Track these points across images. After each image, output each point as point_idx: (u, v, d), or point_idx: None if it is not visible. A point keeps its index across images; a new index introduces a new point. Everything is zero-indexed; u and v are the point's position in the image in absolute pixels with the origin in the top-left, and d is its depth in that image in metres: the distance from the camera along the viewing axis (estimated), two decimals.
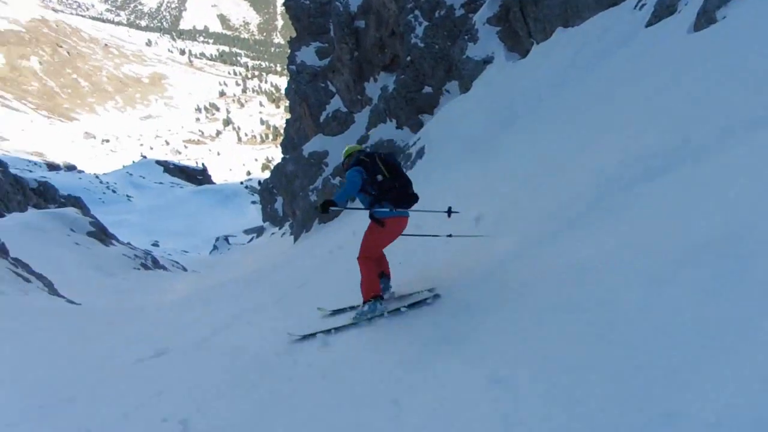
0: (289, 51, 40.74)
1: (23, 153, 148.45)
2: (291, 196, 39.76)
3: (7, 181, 45.35)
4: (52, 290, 22.56)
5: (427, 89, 27.80)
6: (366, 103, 34.18)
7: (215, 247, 62.51)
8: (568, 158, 8.12)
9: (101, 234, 35.98)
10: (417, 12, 27.24)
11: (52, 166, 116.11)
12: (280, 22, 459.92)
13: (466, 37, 23.16)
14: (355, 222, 24.71)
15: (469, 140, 18.66)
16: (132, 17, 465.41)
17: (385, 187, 6.40)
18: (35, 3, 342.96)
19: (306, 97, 37.97)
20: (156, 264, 37.41)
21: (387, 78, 32.20)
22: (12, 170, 53.38)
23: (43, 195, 51.33)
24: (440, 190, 13.80)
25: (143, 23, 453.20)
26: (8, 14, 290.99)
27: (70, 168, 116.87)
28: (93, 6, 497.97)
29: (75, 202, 50.46)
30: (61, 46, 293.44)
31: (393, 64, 32.01)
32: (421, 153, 22.71)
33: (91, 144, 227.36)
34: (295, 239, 35.38)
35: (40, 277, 23.40)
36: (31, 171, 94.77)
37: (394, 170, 6.60)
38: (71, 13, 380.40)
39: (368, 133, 32.06)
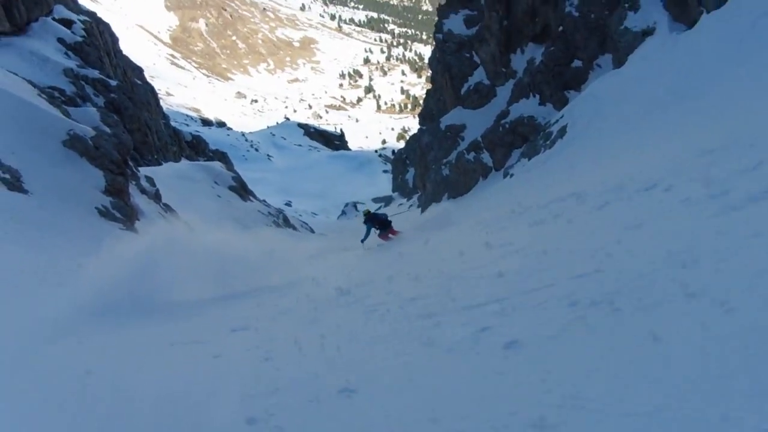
0: (436, 19, 39.93)
1: (183, 108, 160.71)
2: (423, 168, 39.35)
3: (168, 133, 49.03)
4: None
5: (577, 63, 25.92)
6: (510, 76, 32.67)
7: (343, 212, 63.91)
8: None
9: (241, 189, 37.74)
10: None
11: (206, 122, 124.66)
12: None
13: (626, 5, 21.08)
14: (484, 199, 23.75)
15: (619, 121, 17.01)
16: None
17: (378, 226, 15.84)
18: None
19: (449, 67, 37.06)
20: (287, 223, 38.78)
21: (535, 50, 30.47)
22: (172, 123, 57.70)
23: (195, 148, 55.01)
24: (582, 175, 12.55)
25: None
26: None
27: (221, 125, 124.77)
28: None
29: (222, 156, 53.59)
30: (225, 9, 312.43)
31: (543, 34, 30.17)
32: (563, 132, 21.20)
33: (242, 103, 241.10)
34: (422, 211, 34.99)
35: (184, 223, 24.89)
36: (187, 125, 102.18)
37: (382, 221, 15.93)
38: None
39: (509, 108, 30.67)
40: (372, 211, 16.59)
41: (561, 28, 26.15)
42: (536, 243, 6.64)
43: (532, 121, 28.14)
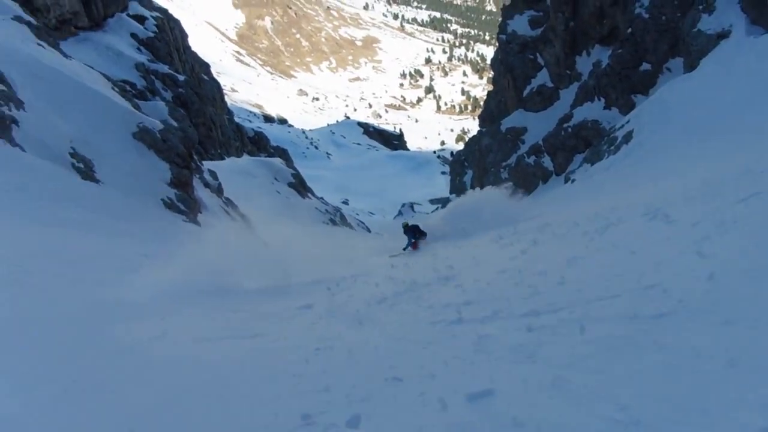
0: (500, 19, 39.47)
1: (246, 104, 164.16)
2: (482, 171, 38.96)
3: (231, 128, 50.29)
4: (252, 231, 24.40)
5: (646, 66, 25.10)
6: (574, 79, 31.96)
7: (400, 213, 63.93)
8: None
9: (300, 186, 38.27)
10: None
11: (268, 118, 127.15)
12: None
13: (700, 6, 20.27)
14: (542, 206, 23.29)
15: (689, 128, 16.38)
16: None
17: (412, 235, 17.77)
18: None
19: (512, 68, 36.55)
20: (343, 221, 39.08)
21: (601, 52, 29.69)
22: (236, 119, 59.14)
23: (257, 144, 56.17)
24: (646, 183, 12.14)
25: None
26: None
27: (282, 121, 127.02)
28: None
29: (282, 153, 54.53)
30: (290, 8, 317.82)
31: (610, 36, 29.38)
32: (628, 137, 20.58)
33: (303, 101, 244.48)
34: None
35: (243, 217, 25.47)
36: (250, 121, 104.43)
37: (417, 229, 17.99)
38: None
39: (572, 111, 30.01)
40: (409, 223, 18.95)
41: (630, 30, 25.38)
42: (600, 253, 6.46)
43: (596, 125, 27.45)
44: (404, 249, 17.74)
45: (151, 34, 38.67)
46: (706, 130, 14.69)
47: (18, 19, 19.01)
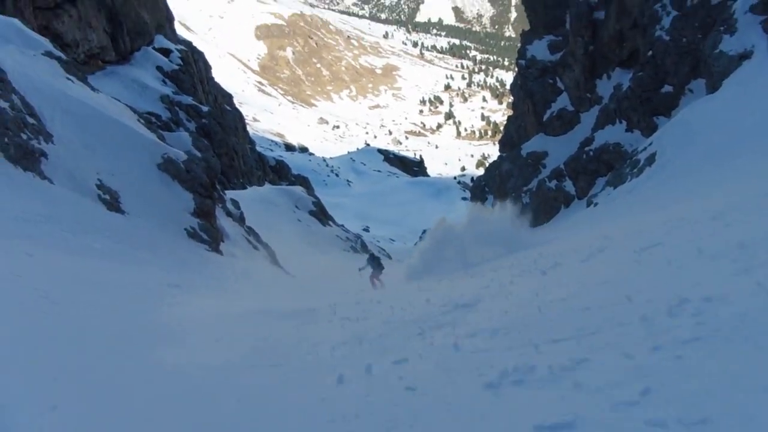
0: (519, 45, 39.68)
1: (268, 133, 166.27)
2: (503, 196, 38.77)
3: (253, 158, 50.96)
4: (274, 260, 24.54)
5: (667, 88, 24.96)
6: (595, 102, 31.88)
7: (421, 239, 63.76)
8: None
9: (321, 214, 38.51)
10: (665, 0, 24.49)
11: (289, 147, 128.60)
12: (513, 15, 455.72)
13: (721, 28, 20.19)
14: (561, 228, 23.07)
15: (712, 150, 16.20)
16: (374, 10, 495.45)
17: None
18: (298, 0, 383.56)
19: (531, 93, 36.61)
20: (364, 248, 39.10)
21: (622, 75, 29.63)
22: (258, 148, 59.97)
23: (279, 172, 56.78)
24: (669, 206, 11.98)
25: (383, 16, 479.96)
26: (275, 10, 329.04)
27: (303, 150, 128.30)
28: (342, 0, 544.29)
29: (303, 181, 55.01)
30: (311, 38, 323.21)
31: (630, 59, 29.34)
32: (651, 160, 20.39)
33: (323, 129, 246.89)
34: None
35: (265, 246, 25.63)
36: (271, 150, 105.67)
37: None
38: (324, 8, 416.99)
39: (593, 134, 29.89)
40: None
41: (650, 53, 25.33)
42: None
43: (618, 148, 27.27)
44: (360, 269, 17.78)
45: (176, 67, 39.56)
46: (730, 152, 14.50)
47: (48, 54, 19.60)
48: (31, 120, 15.43)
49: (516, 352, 4.60)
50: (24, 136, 14.67)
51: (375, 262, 17.44)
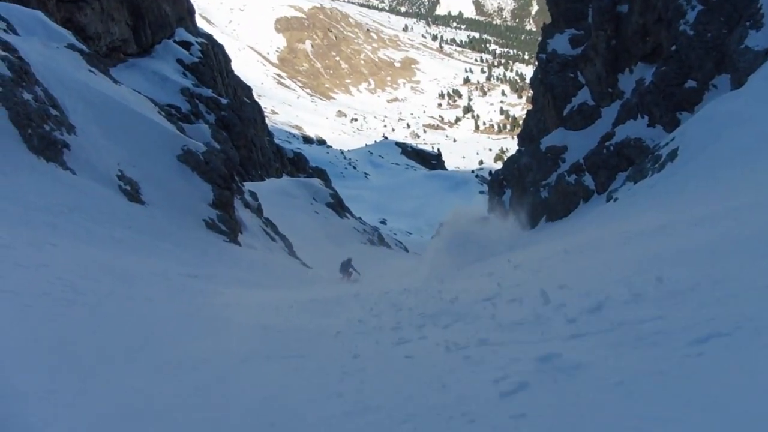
0: (539, 39, 39.30)
1: (287, 126, 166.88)
2: (521, 190, 38.55)
3: (271, 150, 51.17)
4: (291, 251, 24.65)
5: (691, 83, 24.57)
6: (616, 97, 31.49)
7: (437, 233, 63.64)
8: None
9: (338, 206, 38.60)
10: None
11: (307, 139, 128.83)
12: (534, 8, 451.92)
13: (747, 23, 19.83)
14: (578, 223, 22.88)
15: (737, 146, 15.93)
16: (394, 3, 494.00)
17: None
18: None
19: (552, 87, 36.24)
20: (381, 241, 39.17)
21: (644, 70, 29.21)
22: (276, 140, 60.18)
23: (296, 164, 56.96)
24: (696, 202, 11.82)
25: (403, 9, 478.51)
26: (295, 3, 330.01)
27: (321, 142, 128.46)
28: None
29: (321, 173, 55.15)
30: (330, 31, 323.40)
31: (654, 54, 28.91)
32: (673, 155, 20.10)
33: (342, 122, 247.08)
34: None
35: (283, 237, 25.76)
36: (289, 142, 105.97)
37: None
38: (344, 1, 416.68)
39: (614, 129, 29.54)
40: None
41: (674, 48, 24.94)
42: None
43: (639, 143, 26.91)
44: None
45: (196, 60, 39.81)
46: (755, 150, 14.25)
47: (71, 47, 19.82)
48: (54, 111, 15.63)
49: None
50: (47, 128, 14.87)
51: (344, 267, 21.04)
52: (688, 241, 7.00)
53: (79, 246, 10.58)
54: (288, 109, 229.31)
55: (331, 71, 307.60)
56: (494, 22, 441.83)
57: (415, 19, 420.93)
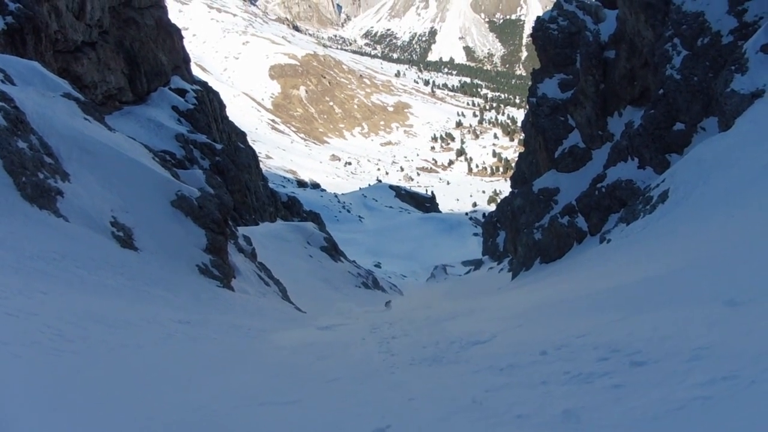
0: (530, 83, 40.07)
1: (281, 170, 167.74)
2: (515, 232, 38.71)
3: (266, 194, 51.33)
4: (285, 296, 24.49)
5: (679, 126, 25.00)
6: (607, 139, 31.99)
7: (432, 275, 63.52)
8: None
9: (332, 250, 38.56)
10: (676, 40, 24.73)
11: (301, 183, 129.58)
12: (524, 54, 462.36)
13: (732, 67, 20.30)
14: (573, 269, 22.91)
15: (725, 187, 16.11)
16: (386, 50, 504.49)
17: None
18: (312, 41, 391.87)
19: (543, 130, 36.81)
20: (376, 284, 39.00)
21: (633, 113, 29.76)
22: (270, 185, 60.47)
23: (291, 208, 57.15)
24: (686, 248, 11.89)
25: (395, 55, 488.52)
26: (289, 51, 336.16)
27: (315, 186, 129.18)
28: (355, 41, 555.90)
29: (315, 217, 55.30)
30: (324, 77, 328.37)
31: (642, 97, 29.51)
32: (664, 197, 20.31)
33: (336, 166, 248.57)
34: (513, 276, 34.23)
35: (277, 282, 25.61)
36: (284, 186, 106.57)
37: None
38: (337, 48, 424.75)
39: (605, 171, 29.88)
40: None
41: (661, 91, 25.45)
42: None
43: (630, 184, 27.19)
44: None
45: (191, 106, 40.31)
46: (741, 189, 14.41)
47: (67, 95, 20.03)
48: (48, 159, 15.70)
49: None
50: (41, 175, 14.91)
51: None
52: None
53: (70, 293, 10.50)
54: (282, 153, 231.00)
55: (325, 116, 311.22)
56: (485, 68, 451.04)
57: (407, 66, 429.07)
